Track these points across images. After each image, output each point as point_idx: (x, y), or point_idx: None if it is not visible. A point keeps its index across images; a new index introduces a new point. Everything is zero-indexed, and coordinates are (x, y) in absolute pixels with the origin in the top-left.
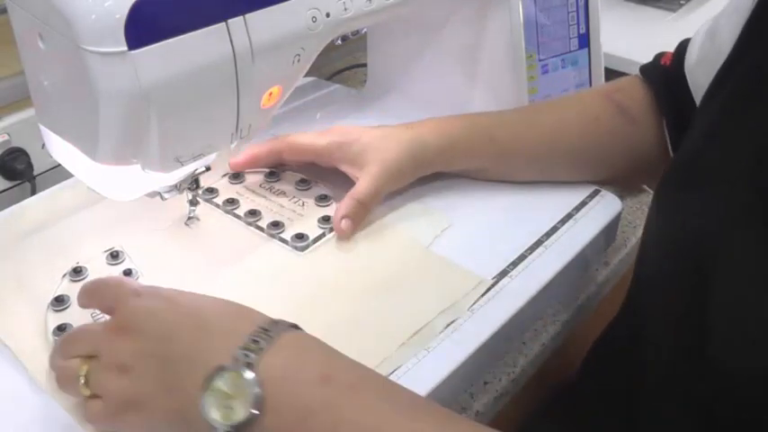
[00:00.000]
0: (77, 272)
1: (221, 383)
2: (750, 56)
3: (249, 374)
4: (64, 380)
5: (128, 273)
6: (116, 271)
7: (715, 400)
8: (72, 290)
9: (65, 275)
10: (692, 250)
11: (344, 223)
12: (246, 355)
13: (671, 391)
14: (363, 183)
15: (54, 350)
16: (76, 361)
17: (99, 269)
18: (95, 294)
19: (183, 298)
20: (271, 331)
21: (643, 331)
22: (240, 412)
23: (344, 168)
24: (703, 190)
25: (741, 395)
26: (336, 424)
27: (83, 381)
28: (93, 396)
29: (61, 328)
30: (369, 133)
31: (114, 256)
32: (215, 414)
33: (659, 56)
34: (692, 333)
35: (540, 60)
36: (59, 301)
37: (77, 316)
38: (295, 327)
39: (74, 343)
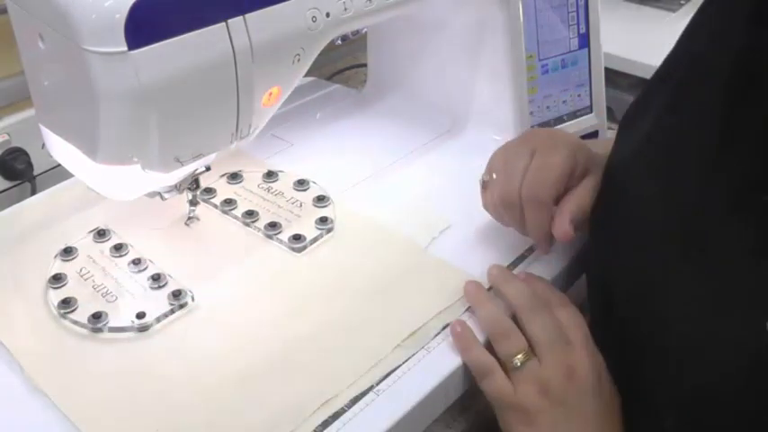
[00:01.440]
0: (68, 252)
1: None
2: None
3: None
4: (486, 360)
5: (118, 247)
6: (105, 248)
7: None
8: (65, 269)
9: (56, 256)
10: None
11: (571, 229)
12: None
13: (633, 393)
14: (584, 193)
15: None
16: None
17: (88, 246)
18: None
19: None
20: None
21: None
22: None
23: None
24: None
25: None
26: None
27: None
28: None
29: (66, 302)
30: (586, 145)
31: (101, 234)
32: None
33: None
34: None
35: (540, 60)
36: (57, 279)
37: (75, 291)
38: None
39: (513, 342)
